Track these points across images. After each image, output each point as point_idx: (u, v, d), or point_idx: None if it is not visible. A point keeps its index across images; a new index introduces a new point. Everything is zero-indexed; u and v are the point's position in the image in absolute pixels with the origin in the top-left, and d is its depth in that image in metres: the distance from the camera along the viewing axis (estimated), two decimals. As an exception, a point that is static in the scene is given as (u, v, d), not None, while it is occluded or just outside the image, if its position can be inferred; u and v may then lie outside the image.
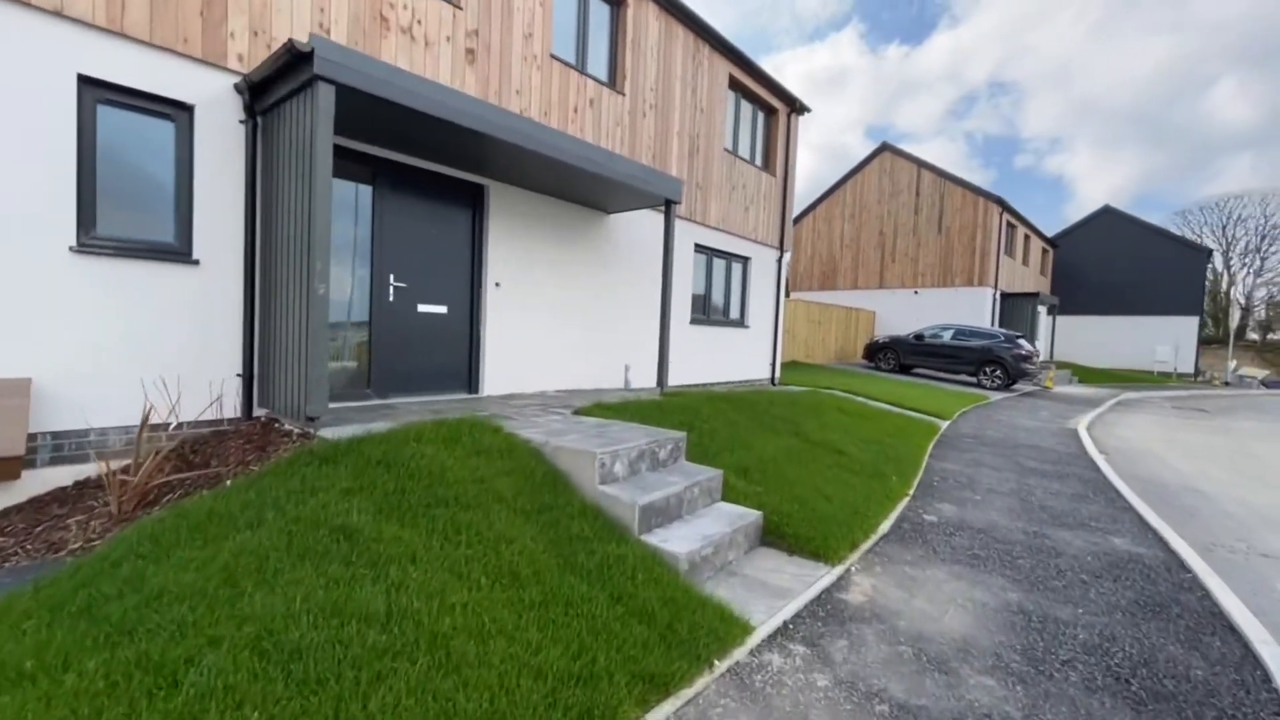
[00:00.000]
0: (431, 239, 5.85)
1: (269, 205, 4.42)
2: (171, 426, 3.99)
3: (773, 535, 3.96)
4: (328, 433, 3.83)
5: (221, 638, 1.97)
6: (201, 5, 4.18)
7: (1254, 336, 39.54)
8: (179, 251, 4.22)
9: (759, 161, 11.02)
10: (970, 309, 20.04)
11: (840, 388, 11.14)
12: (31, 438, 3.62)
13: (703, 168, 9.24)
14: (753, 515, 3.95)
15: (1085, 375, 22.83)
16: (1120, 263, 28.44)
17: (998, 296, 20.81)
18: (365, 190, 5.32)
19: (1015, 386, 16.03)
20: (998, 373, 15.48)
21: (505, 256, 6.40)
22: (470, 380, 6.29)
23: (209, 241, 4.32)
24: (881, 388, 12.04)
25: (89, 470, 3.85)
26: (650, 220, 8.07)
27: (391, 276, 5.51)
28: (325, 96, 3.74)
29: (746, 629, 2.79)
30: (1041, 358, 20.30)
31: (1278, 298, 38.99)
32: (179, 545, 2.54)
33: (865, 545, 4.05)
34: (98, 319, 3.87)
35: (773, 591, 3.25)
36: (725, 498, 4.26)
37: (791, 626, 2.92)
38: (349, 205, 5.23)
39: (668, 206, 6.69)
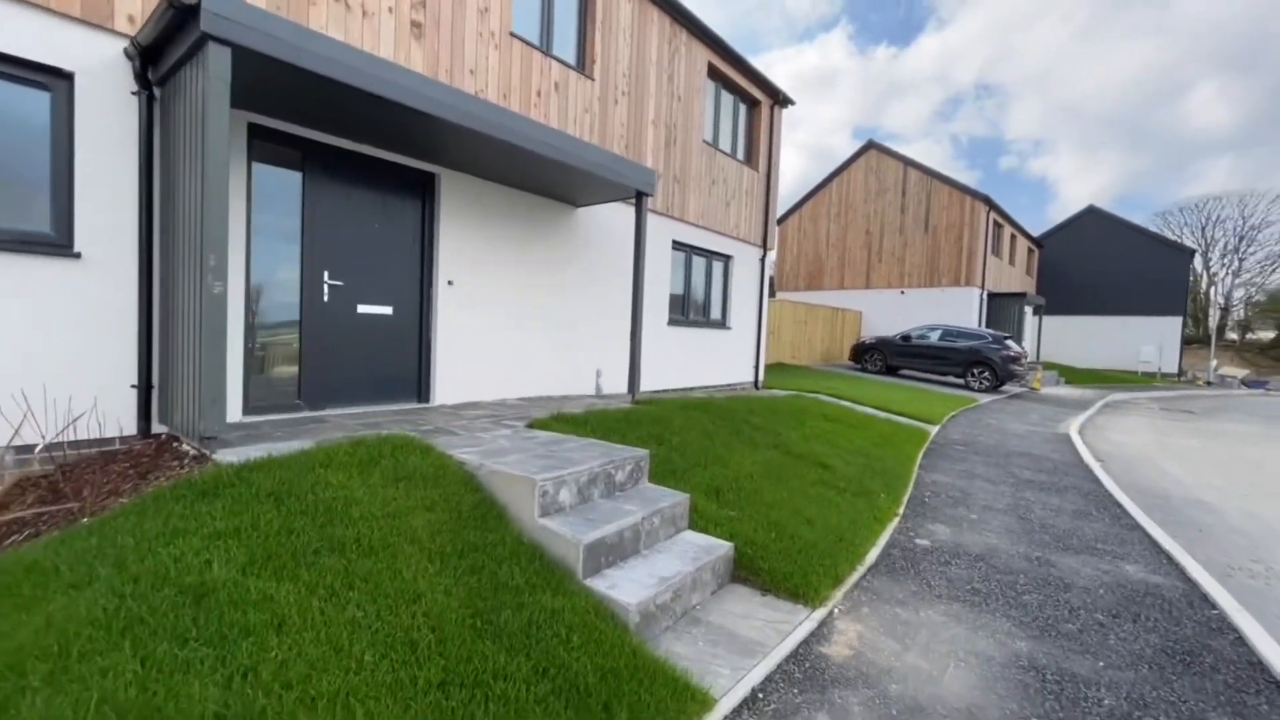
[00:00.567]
0: (374, 232, 5.27)
1: (169, 191, 3.82)
2: (38, 448, 3.38)
3: (745, 570, 3.44)
4: (229, 454, 3.26)
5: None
6: (81, -45, 3.58)
7: (1233, 336, 39.96)
8: (56, 243, 3.61)
9: (741, 155, 10.52)
10: (957, 309, 19.75)
11: (825, 391, 10.69)
12: None
13: (680, 160, 8.72)
14: (723, 547, 3.43)
15: (1071, 376, 22.66)
16: (1105, 263, 28.41)
17: (985, 296, 20.54)
18: (293, 177, 4.73)
19: (1003, 388, 15.71)
20: (986, 374, 15.14)
21: (460, 252, 5.82)
22: (420, 388, 5.71)
23: (95, 232, 3.71)
24: (868, 391, 11.61)
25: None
26: (623, 214, 7.53)
27: (326, 274, 4.92)
28: (217, 60, 3.16)
29: (706, 703, 2.27)
30: (1028, 358, 20.06)
31: (1256, 298, 39.44)
32: (-29, 616, 1.97)
33: (851, 579, 3.56)
34: (-54, 322, 3.26)
35: (741, 646, 2.73)
36: (693, 525, 3.74)
37: (762, 696, 2.41)
38: (273, 194, 4.64)
39: (639, 198, 6.15)
